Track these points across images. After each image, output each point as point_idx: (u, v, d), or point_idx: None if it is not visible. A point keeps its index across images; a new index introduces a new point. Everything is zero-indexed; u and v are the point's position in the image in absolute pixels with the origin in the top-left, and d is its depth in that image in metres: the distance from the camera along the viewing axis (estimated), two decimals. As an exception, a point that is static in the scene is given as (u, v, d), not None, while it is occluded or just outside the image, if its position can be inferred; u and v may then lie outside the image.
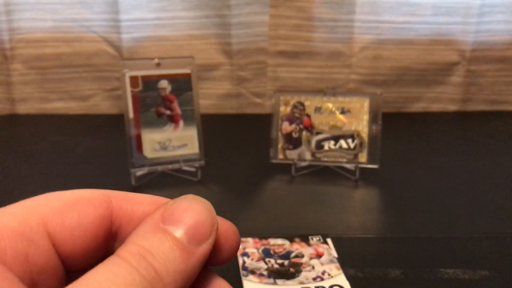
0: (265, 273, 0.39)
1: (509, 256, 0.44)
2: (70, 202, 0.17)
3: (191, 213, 0.17)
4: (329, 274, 0.39)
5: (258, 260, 0.41)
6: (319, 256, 0.42)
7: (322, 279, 0.39)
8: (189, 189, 0.57)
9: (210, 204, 0.18)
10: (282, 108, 0.61)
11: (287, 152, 0.61)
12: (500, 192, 0.57)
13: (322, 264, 0.41)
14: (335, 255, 0.42)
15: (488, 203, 0.54)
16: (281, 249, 0.43)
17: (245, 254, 0.42)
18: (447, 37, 0.83)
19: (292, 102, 0.61)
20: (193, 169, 0.59)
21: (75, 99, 0.85)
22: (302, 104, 0.60)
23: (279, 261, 0.41)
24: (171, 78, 0.57)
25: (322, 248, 0.43)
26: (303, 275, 0.39)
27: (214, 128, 0.73)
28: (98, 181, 0.59)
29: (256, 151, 0.66)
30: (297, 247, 0.43)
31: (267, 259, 0.41)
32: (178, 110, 0.57)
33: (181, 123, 0.58)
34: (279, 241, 0.44)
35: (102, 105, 0.86)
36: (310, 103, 0.60)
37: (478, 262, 0.43)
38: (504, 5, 0.81)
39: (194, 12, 0.80)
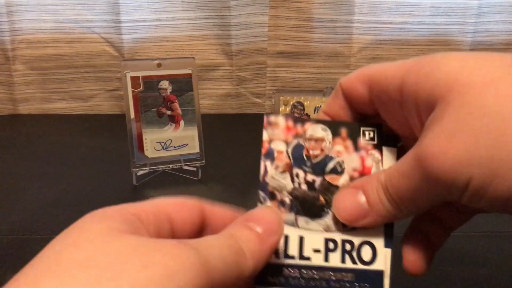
0: (287, 200, 0.29)
1: (508, 254, 0.45)
2: (183, 202, 0.26)
3: (264, 215, 0.25)
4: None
5: (283, 171, 0.30)
6: (363, 175, 0.29)
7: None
8: (189, 188, 0.58)
9: (278, 211, 0.27)
10: (281, 108, 0.61)
11: (287, 151, 0.61)
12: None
13: None
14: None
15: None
16: (318, 150, 0.30)
17: (270, 153, 0.30)
18: (445, 37, 0.83)
19: (291, 102, 0.61)
20: (193, 169, 0.60)
21: (76, 99, 0.86)
22: (301, 104, 0.61)
23: (310, 176, 0.29)
24: (172, 79, 0.57)
25: (371, 159, 0.29)
26: (332, 215, 0.28)
27: (214, 128, 0.73)
28: (100, 181, 0.60)
29: (256, 151, 0.66)
30: (339, 149, 0.30)
31: (295, 170, 0.29)
32: (179, 110, 0.58)
33: (181, 123, 0.58)
34: (320, 131, 0.30)
35: (103, 105, 0.87)
36: (310, 103, 0.61)
37: (477, 261, 0.43)
38: (501, 5, 0.82)
39: (195, 13, 0.81)
